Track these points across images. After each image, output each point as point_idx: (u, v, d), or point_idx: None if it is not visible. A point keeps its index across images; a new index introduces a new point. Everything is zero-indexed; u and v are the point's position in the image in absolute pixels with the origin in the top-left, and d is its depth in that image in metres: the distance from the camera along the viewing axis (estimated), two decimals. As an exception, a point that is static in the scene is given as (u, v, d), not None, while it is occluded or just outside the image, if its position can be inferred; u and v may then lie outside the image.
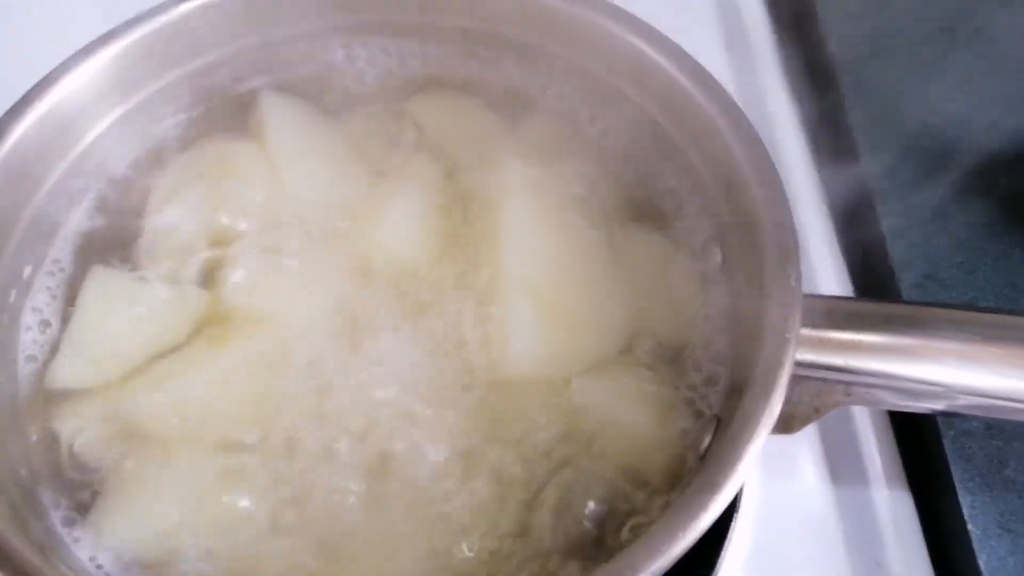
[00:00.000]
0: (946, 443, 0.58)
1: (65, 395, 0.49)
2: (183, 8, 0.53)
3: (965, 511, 0.55)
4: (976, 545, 0.54)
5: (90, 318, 0.50)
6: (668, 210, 0.54)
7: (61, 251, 0.53)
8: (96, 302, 0.50)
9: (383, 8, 0.58)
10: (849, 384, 0.46)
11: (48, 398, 0.49)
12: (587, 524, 0.45)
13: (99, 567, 0.45)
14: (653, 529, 0.38)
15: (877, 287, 0.66)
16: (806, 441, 0.61)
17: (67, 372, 0.49)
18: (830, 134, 0.74)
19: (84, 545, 0.46)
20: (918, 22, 0.76)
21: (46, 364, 0.50)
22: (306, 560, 0.46)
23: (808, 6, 0.78)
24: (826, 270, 0.66)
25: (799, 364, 0.43)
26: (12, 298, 0.50)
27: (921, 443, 0.60)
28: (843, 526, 0.58)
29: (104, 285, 0.51)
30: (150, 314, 0.50)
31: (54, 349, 0.50)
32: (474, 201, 0.54)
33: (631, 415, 0.48)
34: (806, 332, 0.44)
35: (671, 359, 0.50)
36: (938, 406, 0.47)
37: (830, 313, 0.46)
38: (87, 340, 0.50)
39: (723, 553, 0.51)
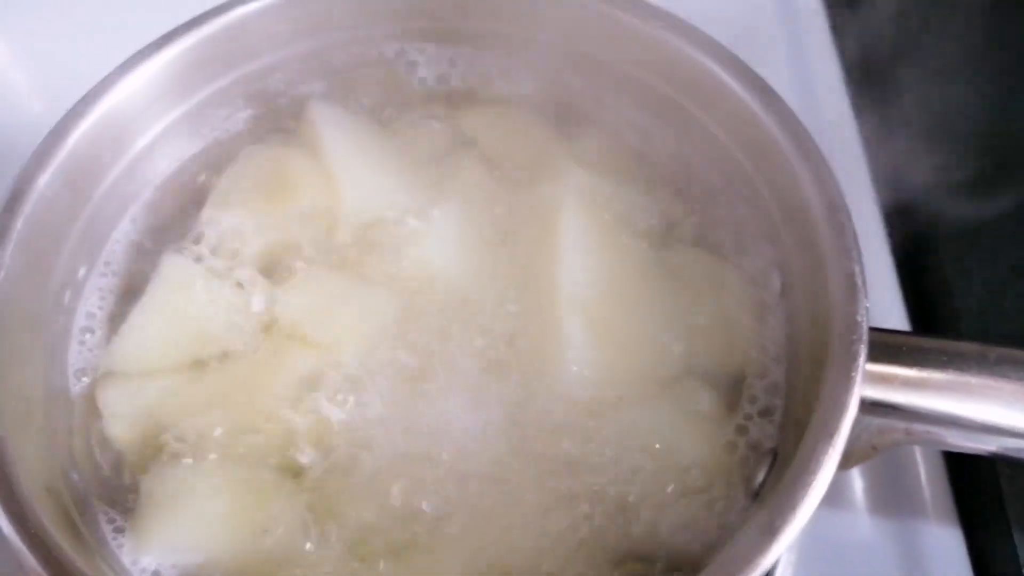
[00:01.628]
0: (1003, 482, 0.56)
1: (118, 378, 0.49)
2: (239, 12, 0.53)
3: (1021, 554, 0.54)
4: (1031, 590, 0.52)
5: (154, 306, 0.50)
6: (727, 233, 0.53)
7: (114, 253, 0.53)
8: (163, 291, 0.51)
9: (439, 15, 0.58)
10: (910, 423, 0.45)
11: (101, 385, 0.49)
12: (634, 557, 0.44)
13: (143, 571, 0.46)
14: (708, 571, 0.37)
15: (934, 318, 0.64)
16: (855, 470, 0.60)
17: (121, 355, 0.50)
18: (890, 155, 0.72)
19: (127, 550, 0.46)
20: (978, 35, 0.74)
21: (97, 365, 0.50)
22: (344, 571, 0.45)
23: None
24: (881, 296, 0.65)
25: (860, 401, 0.42)
26: (67, 299, 0.50)
27: (976, 480, 0.59)
28: (889, 560, 0.57)
29: (177, 275, 0.51)
30: (213, 312, 0.50)
31: (105, 347, 0.50)
32: (528, 216, 0.53)
33: (682, 443, 0.47)
34: (868, 368, 0.42)
35: (725, 387, 0.49)
36: (1000, 449, 0.46)
37: (893, 349, 0.44)
38: (150, 325, 0.50)
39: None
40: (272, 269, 0.52)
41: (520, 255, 0.52)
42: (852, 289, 0.42)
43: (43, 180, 0.47)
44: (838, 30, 0.77)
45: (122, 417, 0.49)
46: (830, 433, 0.39)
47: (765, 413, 0.48)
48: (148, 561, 0.46)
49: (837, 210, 0.44)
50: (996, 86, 0.72)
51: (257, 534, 0.46)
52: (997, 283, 0.63)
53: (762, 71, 0.49)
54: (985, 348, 0.45)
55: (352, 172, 0.55)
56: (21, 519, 0.39)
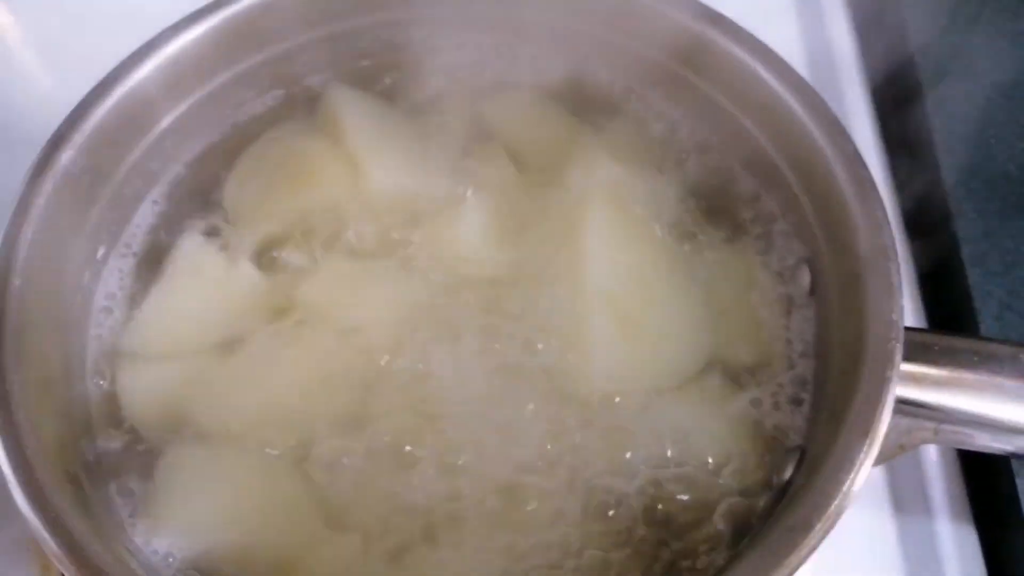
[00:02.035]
0: (1019, 482, 0.56)
1: (137, 359, 0.49)
2: (267, -7, 0.52)
3: (1038, 554, 0.54)
4: (1048, 591, 0.53)
5: (174, 286, 0.50)
6: (757, 228, 0.52)
7: (135, 234, 0.52)
8: (183, 271, 0.50)
9: (465, 2, 0.57)
10: (939, 423, 0.45)
11: (120, 367, 0.49)
12: (663, 549, 0.44)
13: (155, 552, 0.45)
14: (739, 567, 0.37)
15: (953, 318, 0.64)
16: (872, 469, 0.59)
17: (140, 335, 0.49)
18: (908, 151, 0.72)
19: (141, 532, 0.45)
20: (1011, 41, 0.73)
21: (115, 345, 0.50)
22: (360, 561, 0.45)
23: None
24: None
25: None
26: (86, 280, 0.49)
27: (991, 479, 0.59)
28: (905, 558, 0.57)
29: (195, 256, 0.51)
30: (233, 295, 0.50)
31: (124, 328, 0.50)
32: (555, 208, 0.53)
33: (708, 437, 0.47)
34: (901, 367, 0.42)
35: (753, 382, 0.49)
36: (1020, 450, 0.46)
37: (925, 348, 0.44)
38: (166, 306, 0.50)
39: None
40: (293, 253, 0.52)
41: (546, 246, 0.51)
42: (888, 288, 0.42)
43: (65, 158, 0.46)
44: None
45: (140, 399, 0.48)
46: (865, 432, 0.39)
47: (792, 408, 0.47)
48: (161, 543, 0.45)
49: (874, 209, 0.44)
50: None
51: (271, 521, 0.46)
52: (1018, 286, 0.63)
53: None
54: (1017, 349, 0.45)
55: (374, 157, 0.54)
56: (41, 502, 0.39)
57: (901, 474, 0.59)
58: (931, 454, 0.59)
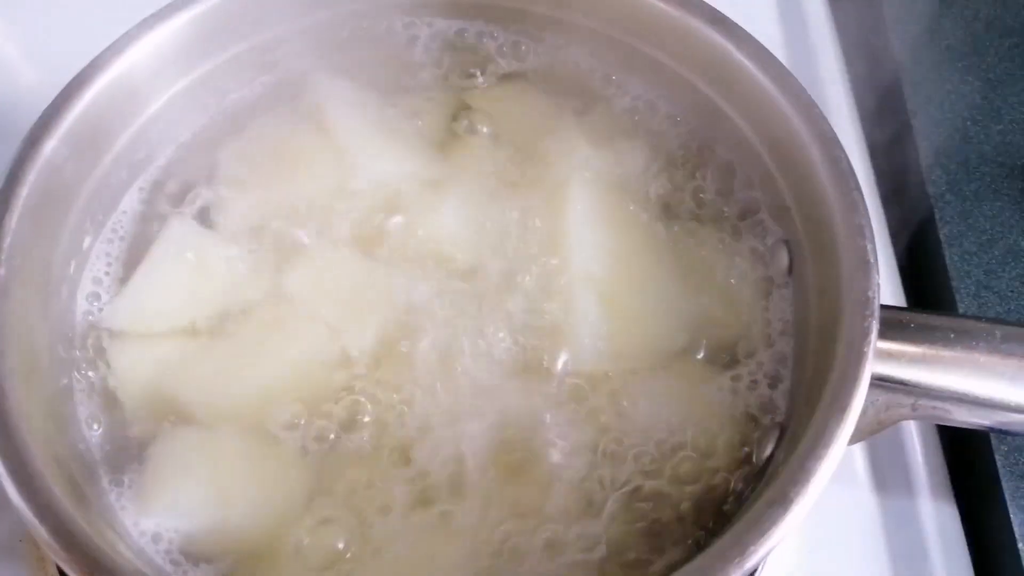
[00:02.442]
0: (998, 458, 0.57)
1: (126, 340, 0.49)
2: (249, -20, 0.52)
3: (1016, 528, 0.55)
4: (1027, 563, 0.54)
5: (161, 264, 0.50)
6: (736, 209, 0.53)
7: (121, 221, 0.52)
8: (170, 251, 0.50)
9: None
10: (917, 399, 0.46)
11: (110, 347, 0.49)
12: (646, 528, 0.45)
13: (142, 533, 0.45)
14: (722, 542, 0.38)
15: (932, 297, 0.65)
16: (852, 447, 0.60)
17: (127, 313, 0.50)
18: (888, 132, 0.73)
19: (129, 512, 0.46)
20: (985, 25, 0.74)
21: (103, 327, 0.50)
22: (341, 546, 0.46)
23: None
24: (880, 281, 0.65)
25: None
26: (72, 269, 0.49)
27: (971, 457, 0.60)
28: (888, 537, 0.58)
29: (182, 240, 0.51)
30: (216, 278, 0.50)
31: (112, 308, 0.50)
32: (538, 191, 0.53)
33: (690, 413, 0.48)
34: (878, 344, 0.43)
35: (733, 360, 0.49)
36: (1003, 424, 0.47)
37: (901, 325, 0.45)
38: (153, 284, 0.50)
39: (764, 560, 0.50)
40: (281, 240, 0.52)
41: (531, 230, 0.52)
42: (864, 265, 0.43)
43: (49, 147, 0.46)
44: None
45: (130, 377, 0.48)
46: (842, 408, 0.40)
47: (772, 386, 0.48)
48: (148, 523, 0.45)
49: (850, 189, 0.44)
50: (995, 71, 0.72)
51: (260, 502, 0.46)
52: (994, 266, 0.64)
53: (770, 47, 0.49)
54: (992, 325, 0.46)
55: (359, 145, 0.55)
56: (31, 489, 0.39)
57: (882, 454, 0.60)
58: (912, 433, 0.60)
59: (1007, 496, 0.56)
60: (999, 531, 0.56)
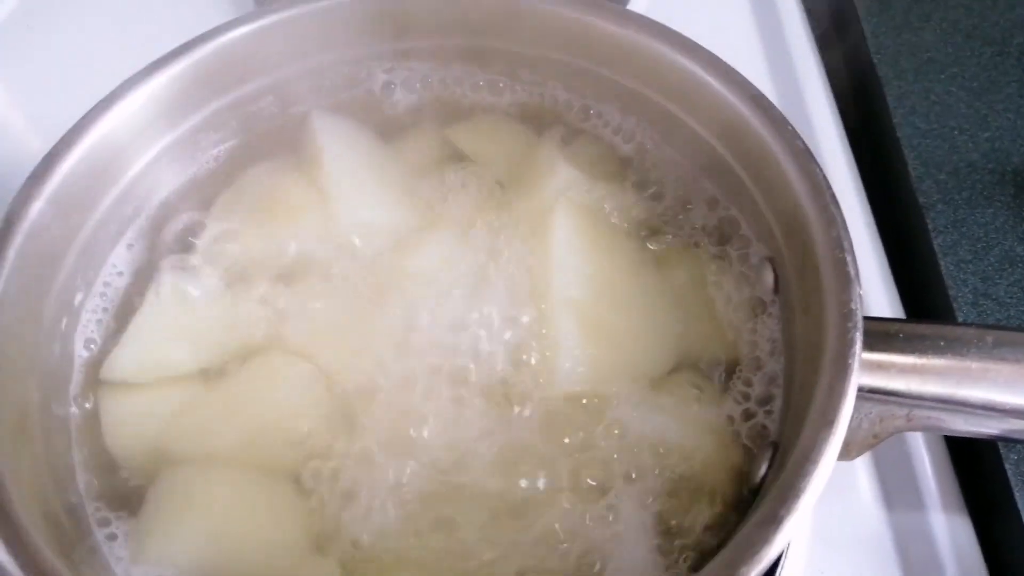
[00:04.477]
0: (1008, 468, 0.56)
1: (119, 391, 0.50)
2: (229, 36, 0.53)
3: (1031, 539, 0.53)
4: (1044, 575, 0.52)
5: (152, 317, 0.51)
6: (719, 231, 0.53)
7: (111, 278, 0.53)
8: (160, 303, 0.51)
9: (428, 34, 0.58)
10: (911, 409, 0.45)
11: (102, 399, 0.50)
12: (644, 551, 0.44)
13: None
14: (713, 564, 0.37)
15: (930, 308, 0.65)
16: (859, 463, 0.60)
17: (120, 366, 0.50)
18: (876, 146, 0.73)
19: (124, 562, 0.46)
20: (965, 35, 0.75)
21: (96, 380, 0.50)
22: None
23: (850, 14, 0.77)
24: (875, 289, 0.65)
25: (859, 389, 0.41)
26: (64, 326, 0.50)
27: (981, 467, 0.58)
28: (900, 552, 0.57)
29: (176, 288, 0.52)
30: (206, 325, 0.51)
31: (105, 361, 0.51)
32: (522, 221, 0.54)
33: (679, 438, 0.47)
34: (866, 356, 0.42)
35: (722, 382, 0.49)
36: (1001, 431, 0.46)
37: (890, 336, 0.45)
38: (145, 337, 0.50)
39: (776, 578, 0.49)
40: (272, 286, 0.53)
41: (515, 260, 0.52)
42: (844, 278, 0.42)
43: (35, 209, 0.47)
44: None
45: (124, 431, 0.49)
46: (829, 421, 0.39)
47: (763, 405, 0.47)
48: (139, 572, 0.45)
49: (826, 203, 0.44)
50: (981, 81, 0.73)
51: (256, 548, 0.46)
52: (990, 272, 0.63)
53: (742, 68, 0.49)
54: (982, 331, 0.45)
55: (346, 192, 0.55)
56: (18, 547, 0.39)
57: (890, 470, 0.59)
58: (920, 447, 0.59)
59: (1020, 505, 0.55)
60: (1014, 541, 0.55)
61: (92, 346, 0.51)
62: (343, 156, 0.56)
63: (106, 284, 0.53)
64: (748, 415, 0.48)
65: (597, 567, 0.45)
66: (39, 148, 0.48)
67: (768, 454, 0.45)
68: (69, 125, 0.49)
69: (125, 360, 0.50)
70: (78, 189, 0.49)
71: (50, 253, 0.48)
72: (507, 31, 0.57)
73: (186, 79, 0.53)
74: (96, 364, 0.51)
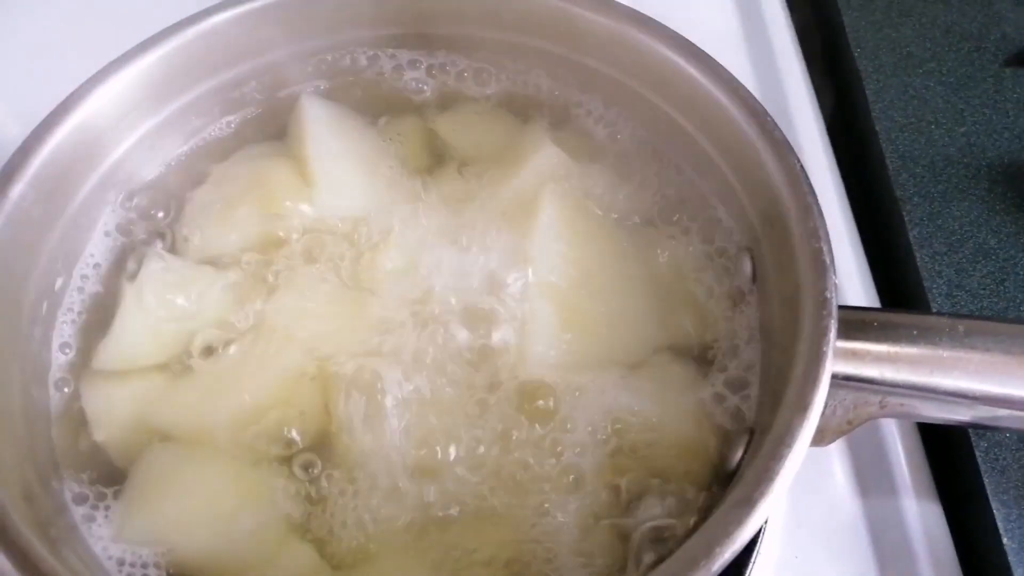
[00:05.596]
0: (979, 455, 0.57)
1: (102, 378, 0.50)
2: (213, 20, 0.53)
3: (1000, 524, 0.55)
4: (1012, 559, 0.53)
5: (137, 302, 0.51)
6: (699, 220, 0.54)
7: (91, 263, 0.53)
8: (145, 288, 0.51)
9: (413, 20, 0.58)
10: (884, 396, 0.46)
11: (86, 387, 0.50)
12: (612, 535, 0.45)
13: (110, 558, 0.46)
14: (688, 545, 0.38)
15: (906, 299, 0.66)
16: (834, 451, 0.61)
17: (104, 352, 0.50)
18: (854, 139, 0.74)
19: (103, 542, 0.46)
20: (943, 31, 0.76)
21: (79, 367, 0.50)
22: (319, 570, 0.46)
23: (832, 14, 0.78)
24: (852, 280, 0.66)
25: (834, 377, 0.42)
26: (44, 310, 0.50)
27: (952, 455, 0.60)
28: (873, 539, 0.58)
29: (159, 276, 0.51)
30: (191, 308, 0.51)
31: (84, 357, 0.51)
32: (505, 209, 0.54)
33: (657, 423, 0.48)
34: (841, 344, 0.43)
35: (700, 368, 0.50)
36: (973, 418, 0.47)
37: (864, 325, 0.45)
38: (129, 322, 0.50)
39: (751, 565, 0.50)
40: (254, 271, 0.53)
41: (498, 246, 0.53)
42: (820, 267, 0.43)
43: (15, 192, 0.47)
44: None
45: (107, 418, 0.49)
46: (804, 407, 0.40)
47: (740, 392, 0.48)
48: (116, 549, 0.46)
49: (803, 193, 0.45)
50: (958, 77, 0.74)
51: (235, 529, 0.46)
52: (965, 265, 0.64)
53: (724, 60, 0.50)
54: (954, 321, 0.46)
55: (330, 177, 0.55)
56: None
57: (864, 457, 0.60)
58: (893, 435, 0.60)
59: (989, 492, 0.56)
60: (984, 527, 0.56)
61: (73, 330, 0.51)
62: (328, 141, 0.56)
63: (87, 267, 0.53)
64: (724, 401, 0.48)
65: (568, 552, 0.45)
66: (17, 134, 0.48)
67: (744, 439, 0.46)
68: (48, 110, 0.49)
69: (110, 347, 0.50)
70: (59, 173, 0.49)
71: (31, 237, 0.48)
72: (492, 20, 0.57)
73: (170, 63, 0.53)
74: (77, 349, 0.51)
